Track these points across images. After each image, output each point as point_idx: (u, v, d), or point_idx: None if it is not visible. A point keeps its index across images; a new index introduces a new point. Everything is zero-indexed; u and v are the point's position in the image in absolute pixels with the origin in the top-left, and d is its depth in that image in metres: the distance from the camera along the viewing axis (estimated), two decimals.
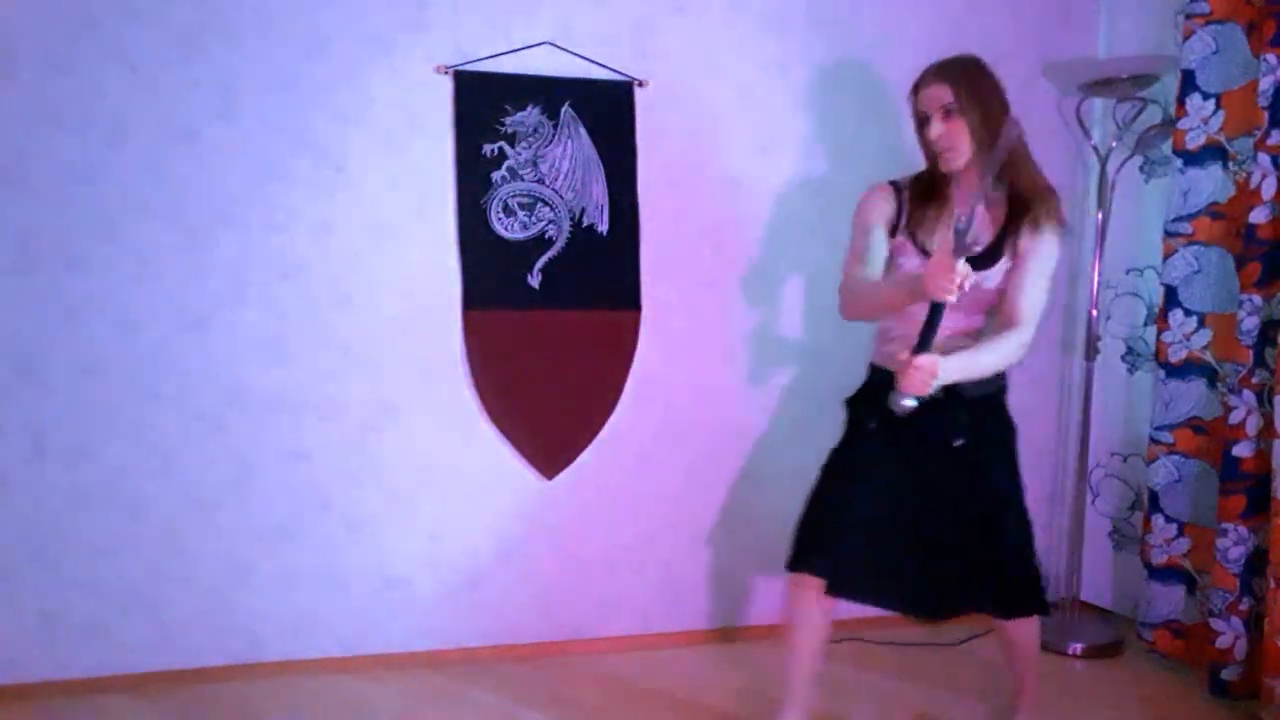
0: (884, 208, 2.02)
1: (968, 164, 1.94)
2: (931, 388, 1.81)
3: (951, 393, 1.91)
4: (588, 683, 2.53)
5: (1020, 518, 2.05)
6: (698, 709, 2.39)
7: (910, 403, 1.83)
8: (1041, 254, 1.96)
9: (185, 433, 2.42)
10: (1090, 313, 2.83)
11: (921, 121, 1.97)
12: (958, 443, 1.97)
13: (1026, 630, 2.17)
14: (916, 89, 1.97)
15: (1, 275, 2.29)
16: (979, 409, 1.99)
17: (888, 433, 1.99)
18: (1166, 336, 2.59)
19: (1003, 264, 1.97)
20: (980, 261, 1.91)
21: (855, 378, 2.88)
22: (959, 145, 1.92)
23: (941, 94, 1.92)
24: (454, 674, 2.55)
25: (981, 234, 1.92)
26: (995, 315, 2.02)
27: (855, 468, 2.07)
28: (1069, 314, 3.03)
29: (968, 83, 1.92)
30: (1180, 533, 2.60)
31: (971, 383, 1.94)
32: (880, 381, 1.99)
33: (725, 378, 2.76)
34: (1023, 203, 1.96)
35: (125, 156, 2.31)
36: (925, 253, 1.97)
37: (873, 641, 2.80)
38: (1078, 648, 2.73)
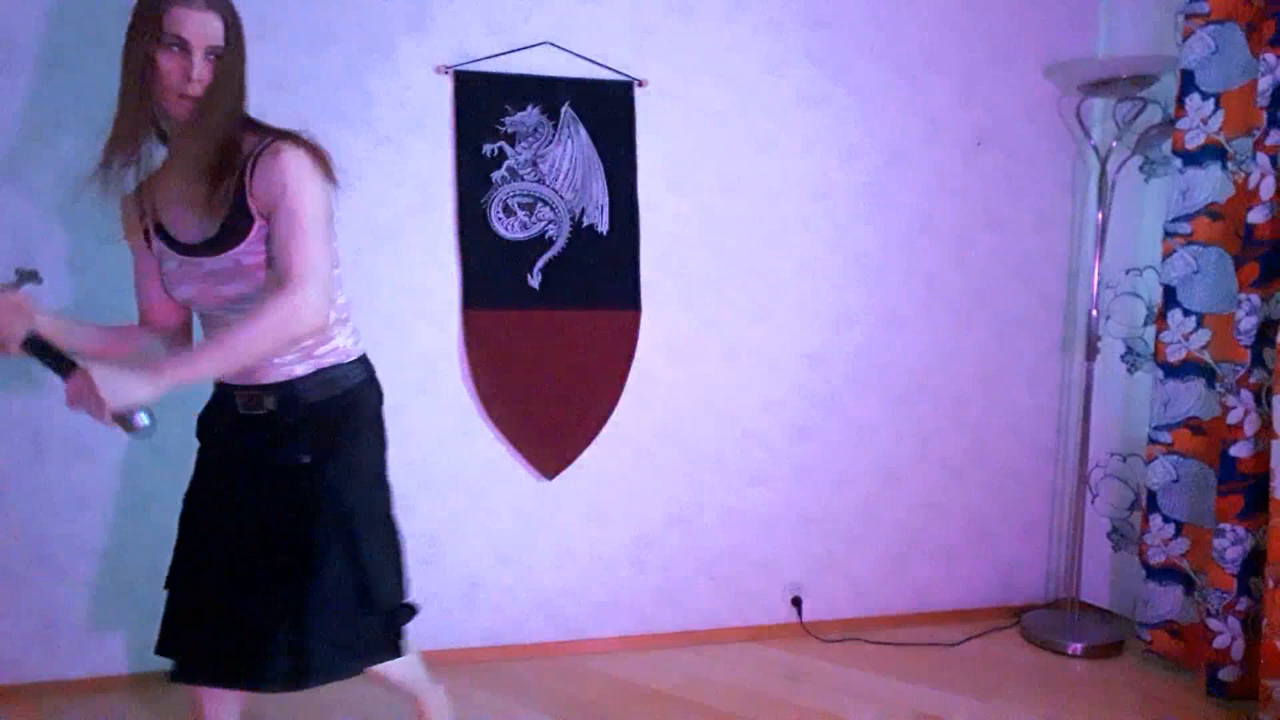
0: (134, 219, 1.67)
1: (185, 131, 1.52)
2: (125, 401, 1.39)
3: (287, 400, 1.58)
4: (588, 683, 2.54)
5: (376, 541, 1.72)
6: (698, 709, 2.39)
7: (144, 421, 1.45)
8: (291, 204, 1.48)
9: (186, 433, 2.41)
10: (1090, 313, 2.84)
11: (166, 46, 1.46)
12: (303, 460, 1.58)
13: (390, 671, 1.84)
14: (168, 6, 1.46)
15: (2, 275, 2.28)
16: (323, 417, 1.60)
17: (221, 460, 1.66)
18: (1165, 336, 2.59)
19: (255, 233, 1.52)
20: (222, 245, 1.52)
21: (855, 378, 2.90)
22: (216, 100, 1.49)
23: (213, 29, 1.47)
24: (454, 674, 2.55)
25: (202, 226, 1.54)
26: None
27: (186, 511, 1.73)
28: (1069, 314, 3.04)
29: (239, 32, 1.52)
30: (1178, 533, 2.60)
31: (311, 385, 1.59)
32: (218, 396, 1.68)
33: (725, 378, 2.77)
34: (235, 150, 1.52)
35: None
36: (165, 233, 1.60)
37: (873, 641, 2.81)
38: (1077, 647, 2.73)
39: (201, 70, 1.47)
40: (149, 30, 1.46)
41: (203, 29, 1.46)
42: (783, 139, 2.73)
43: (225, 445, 1.67)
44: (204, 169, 1.51)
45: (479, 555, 2.65)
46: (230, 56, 1.50)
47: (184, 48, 1.46)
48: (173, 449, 2.42)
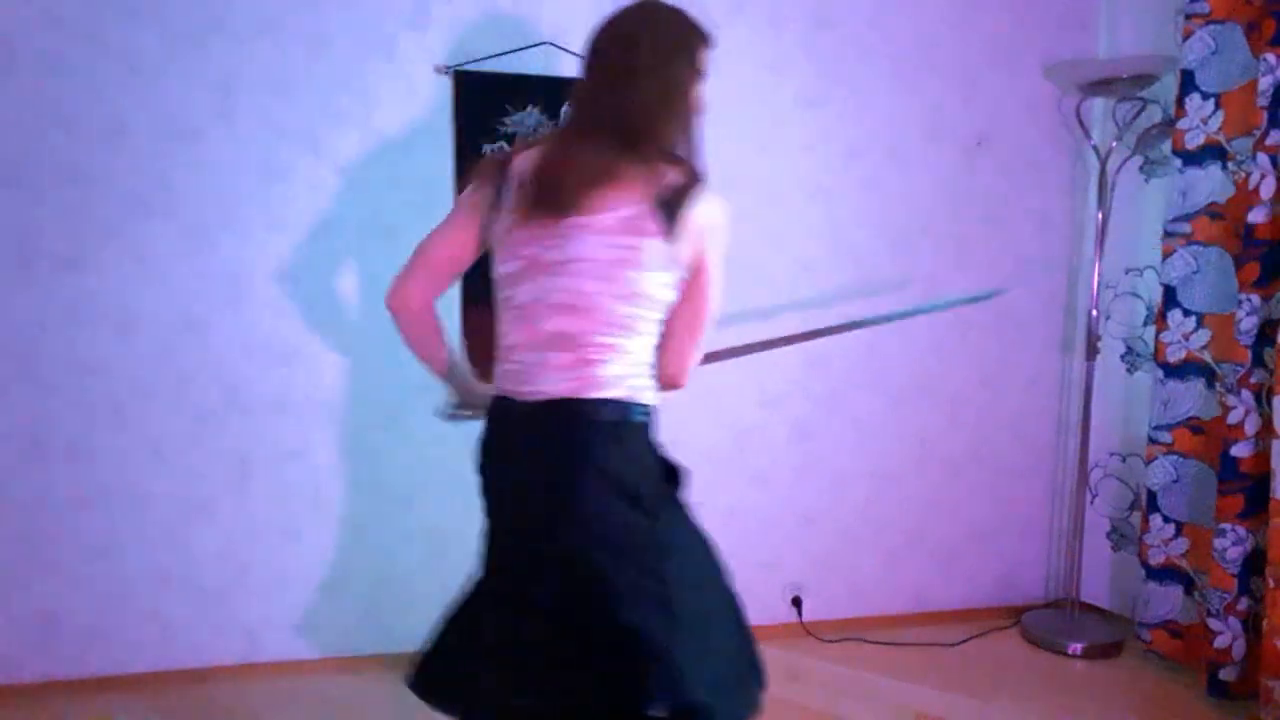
0: None
1: None
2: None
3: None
4: None
5: None
6: None
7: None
8: None
9: (185, 433, 2.42)
10: (1090, 313, 2.84)
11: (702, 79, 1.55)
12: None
13: None
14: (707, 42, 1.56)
15: (1, 275, 2.29)
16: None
17: None
18: (1165, 336, 2.59)
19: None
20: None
21: (855, 378, 2.89)
22: None
23: None
24: None
25: None
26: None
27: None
28: (1069, 314, 3.04)
29: None
30: (1178, 533, 2.60)
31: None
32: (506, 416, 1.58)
33: (725, 378, 2.76)
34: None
35: (125, 156, 2.31)
36: None
37: (873, 641, 2.81)
38: (1077, 648, 2.73)
39: None
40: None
41: None
42: (783, 139, 2.73)
43: None
44: None
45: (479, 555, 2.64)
46: None
47: None
48: (173, 448, 2.43)
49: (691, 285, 1.54)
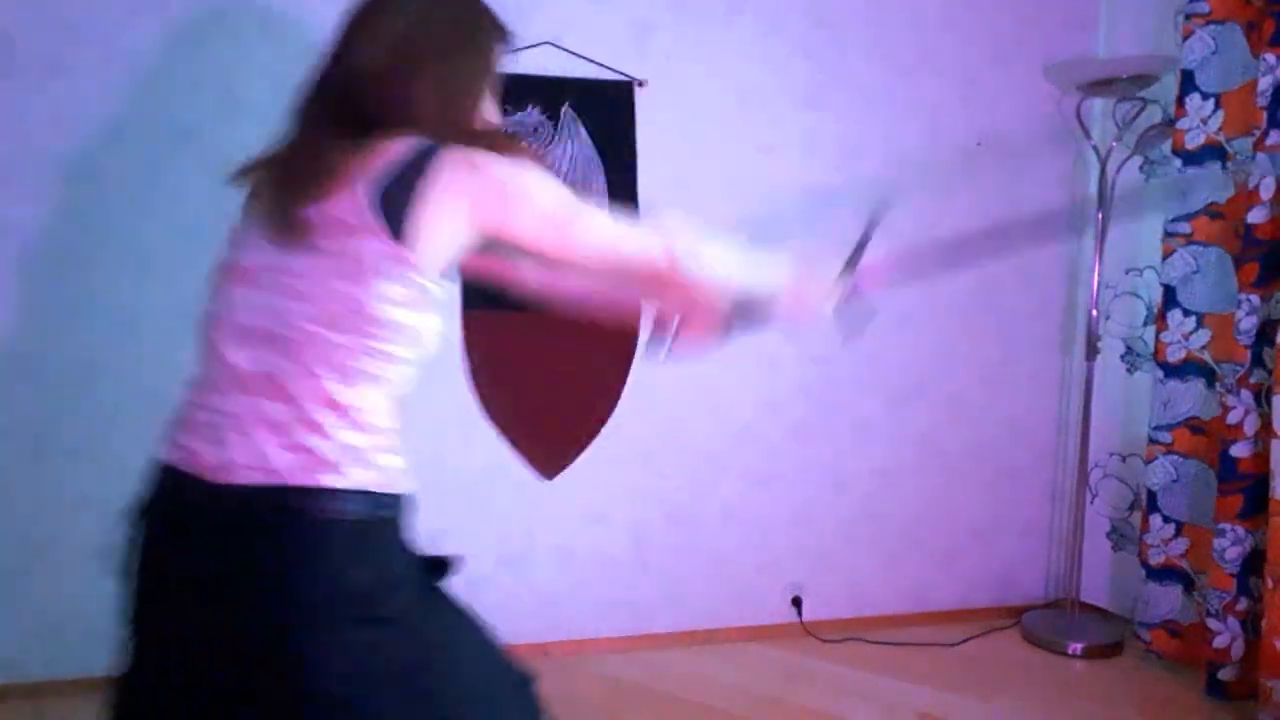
0: None
1: None
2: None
3: None
4: (588, 683, 2.54)
5: None
6: (698, 709, 2.39)
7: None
8: None
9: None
10: (1090, 313, 2.84)
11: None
12: None
13: None
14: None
15: (1, 275, 2.29)
16: None
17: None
18: (1165, 336, 2.59)
19: None
20: None
21: (855, 378, 2.89)
22: None
23: None
24: None
25: None
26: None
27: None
28: (1069, 314, 3.04)
29: None
30: (1178, 533, 2.60)
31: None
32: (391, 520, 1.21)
33: (725, 378, 2.77)
34: None
35: (125, 156, 2.31)
36: None
37: (873, 641, 2.81)
38: (1077, 647, 2.73)
39: None
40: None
41: None
42: (783, 139, 2.73)
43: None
44: None
45: (479, 555, 2.65)
46: None
47: None
48: None
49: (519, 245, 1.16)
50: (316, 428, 1.06)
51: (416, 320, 1.10)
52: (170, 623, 1.11)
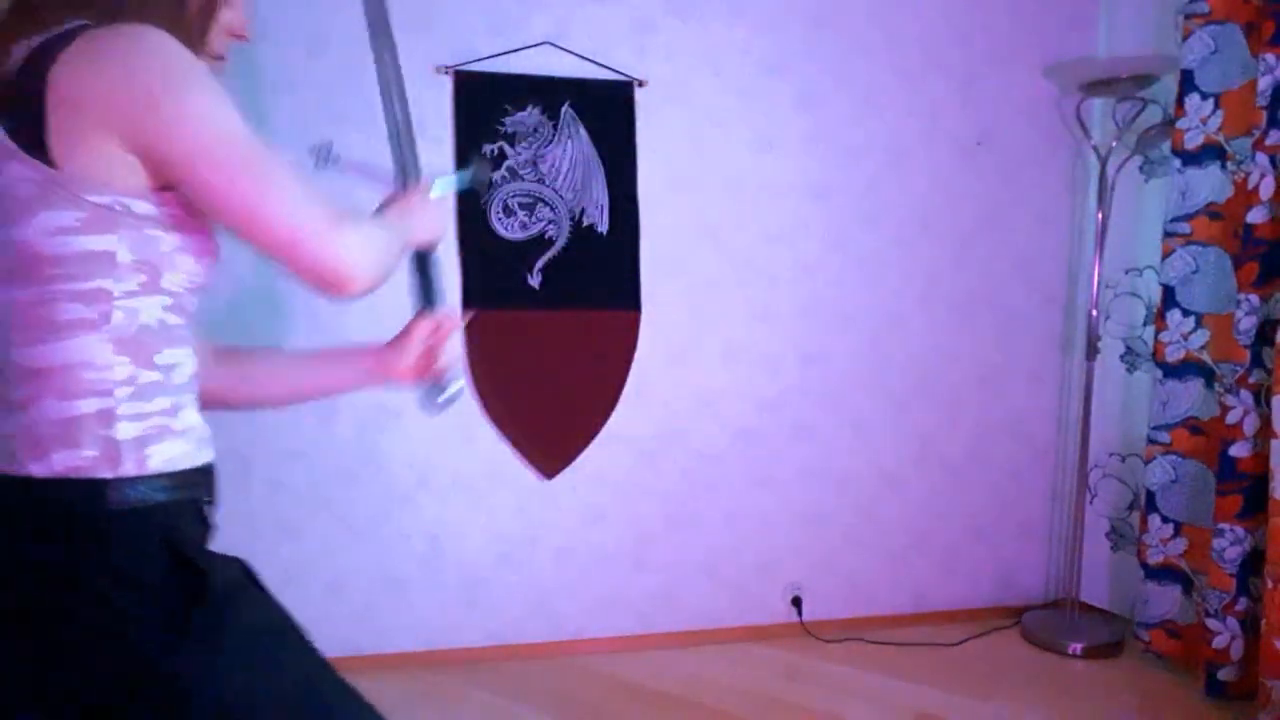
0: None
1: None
2: None
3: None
4: (588, 683, 2.54)
5: None
6: (698, 709, 2.39)
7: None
8: None
9: None
10: (1090, 312, 2.84)
11: None
12: None
13: None
14: None
15: (1, 275, 2.28)
16: None
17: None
18: (1164, 336, 2.59)
19: None
20: None
21: (855, 378, 2.89)
22: None
23: None
24: (454, 674, 2.55)
25: None
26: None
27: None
28: (1069, 314, 3.04)
29: None
30: (1177, 533, 2.60)
31: None
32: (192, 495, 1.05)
33: (725, 378, 2.77)
34: None
35: None
36: None
37: (873, 641, 2.81)
38: (1077, 647, 2.74)
39: None
40: None
41: None
42: (783, 139, 2.73)
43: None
44: None
45: (479, 555, 2.65)
46: None
47: None
48: None
49: (176, 179, 0.91)
50: (21, 404, 0.87)
51: (110, 243, 0.87)
52: None
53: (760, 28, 2.68)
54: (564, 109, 2.55)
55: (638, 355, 2.67)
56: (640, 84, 2.59)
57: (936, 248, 2.88)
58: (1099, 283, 2.82)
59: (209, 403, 1.16)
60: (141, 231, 0.89)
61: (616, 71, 2.57)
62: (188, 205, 0.93)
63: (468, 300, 2.54)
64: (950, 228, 2.89)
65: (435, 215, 1.25)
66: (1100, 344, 2.87)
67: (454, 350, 1.28)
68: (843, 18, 2.74)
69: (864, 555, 2.93)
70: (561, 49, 2.52)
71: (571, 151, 2.57)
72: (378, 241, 1.05)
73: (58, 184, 0.85)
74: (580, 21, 2.55)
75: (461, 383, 1.34)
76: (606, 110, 2.58)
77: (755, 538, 2.83)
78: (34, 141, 0.84)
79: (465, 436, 2.60)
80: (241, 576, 1.02)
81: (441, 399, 1.31)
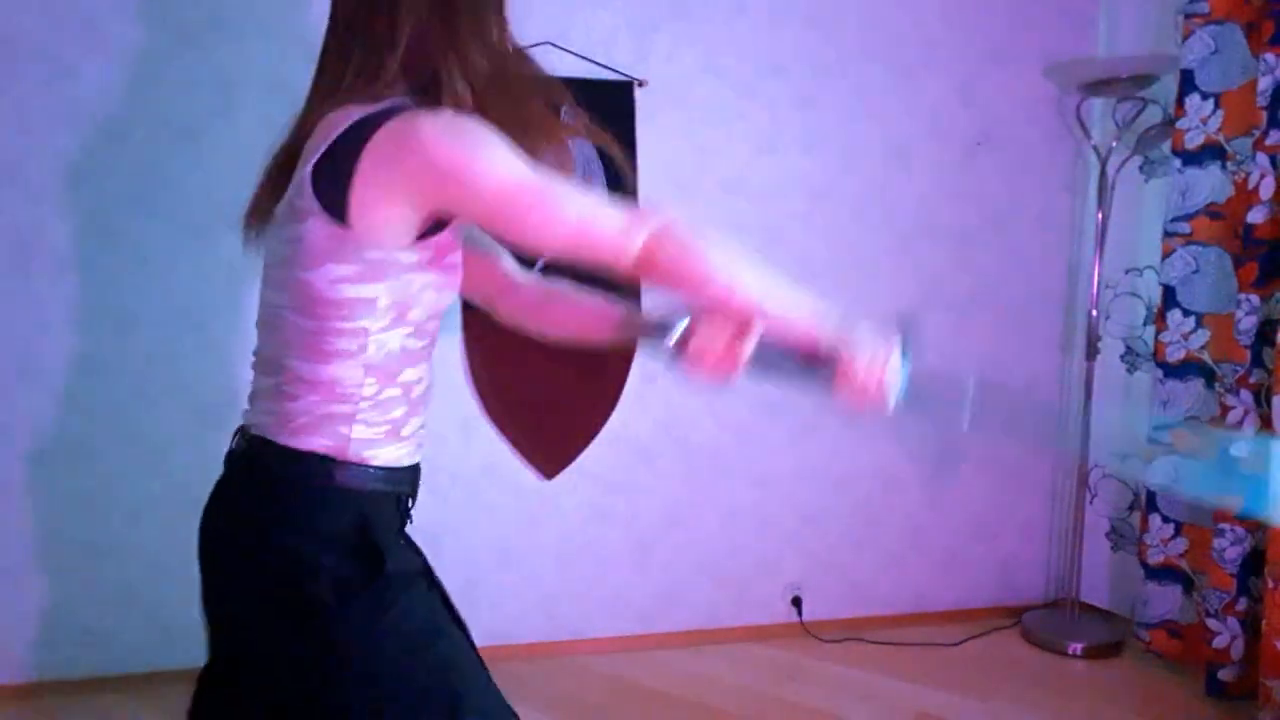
0: None
1: None
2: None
3: None
4: (588, 683, 2.54)
5: None
6: (698, 709, 2.39)
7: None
8: None
9: (185, 433, 2.42)
10: (1090, 313, 2.84)
11: None
12: None
13: None
14: None
15: (1, 275, 2.29)
16: None
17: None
18: (1165, 336, 2.59)
19: None
20: None
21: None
22: None
23: None
24: None
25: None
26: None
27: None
28: (1069, 314, 3.04)
29: None
30: (1177, 533, 2.60)
31: None
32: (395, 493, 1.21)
33: None
34: None
35: (125, 156, 2.31)
36: None
37: (872, 641, 2.81)
38: (1077, 647, 2.73)
39: None
40: None
41: None
42: (783, 139, 2.73)
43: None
44: None
45: (479, 555, 2.65)
46: None
47: None
48: (173, 448, 2.43)
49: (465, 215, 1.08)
50: (291, 397, 1.08)
51: (377, 291, 1.04)
52: (205, 590, 1.15)
53: (760, 28, 2.68)
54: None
55: (638, 355, 2.67)
56: (640, 84, 2.59)
57: (937, 248, 2.88)
58: (1099, 283, 2.82)
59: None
60: (400, 278, 1.05)
61: (616, 71, 2.57)
62: (439, 246, 1.08)
63: (467, 300, 2.54)
64: (950, 228, 2.89)
65: (875, 386, 1.18)
66: (1100, 344, 2.87)
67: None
68: (843, 18, 2.74)
69: (864, 555, 2.93)
70: (561, 49, 2.52)
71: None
72: (736, 266, 1.20)
73: (347, 242, 1.01)
74: (580, 21, 2.55)
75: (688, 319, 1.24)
76: (606, 110, 2.57)
77: (755, 538, 2.83)
78: (335, 201, 1.00)
79: (465, 436, 2.60)
80: (417, 572, 1.20)
81: (672, 341, 1.26)
